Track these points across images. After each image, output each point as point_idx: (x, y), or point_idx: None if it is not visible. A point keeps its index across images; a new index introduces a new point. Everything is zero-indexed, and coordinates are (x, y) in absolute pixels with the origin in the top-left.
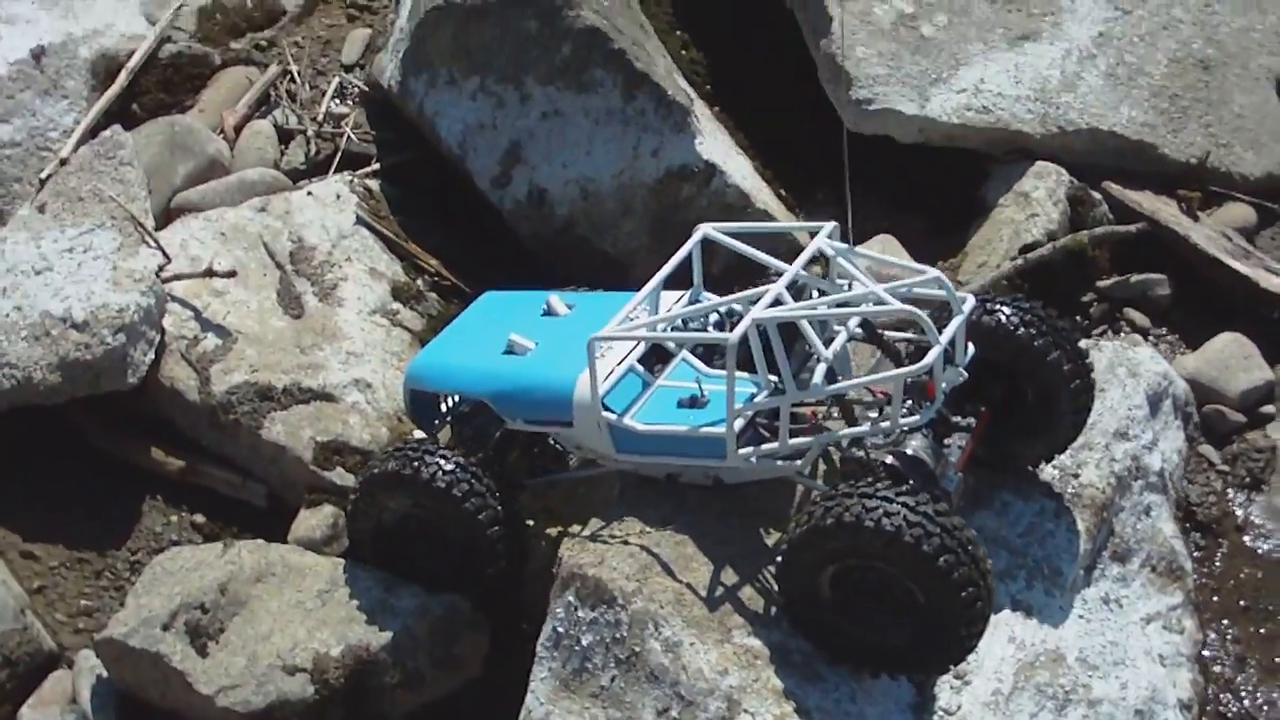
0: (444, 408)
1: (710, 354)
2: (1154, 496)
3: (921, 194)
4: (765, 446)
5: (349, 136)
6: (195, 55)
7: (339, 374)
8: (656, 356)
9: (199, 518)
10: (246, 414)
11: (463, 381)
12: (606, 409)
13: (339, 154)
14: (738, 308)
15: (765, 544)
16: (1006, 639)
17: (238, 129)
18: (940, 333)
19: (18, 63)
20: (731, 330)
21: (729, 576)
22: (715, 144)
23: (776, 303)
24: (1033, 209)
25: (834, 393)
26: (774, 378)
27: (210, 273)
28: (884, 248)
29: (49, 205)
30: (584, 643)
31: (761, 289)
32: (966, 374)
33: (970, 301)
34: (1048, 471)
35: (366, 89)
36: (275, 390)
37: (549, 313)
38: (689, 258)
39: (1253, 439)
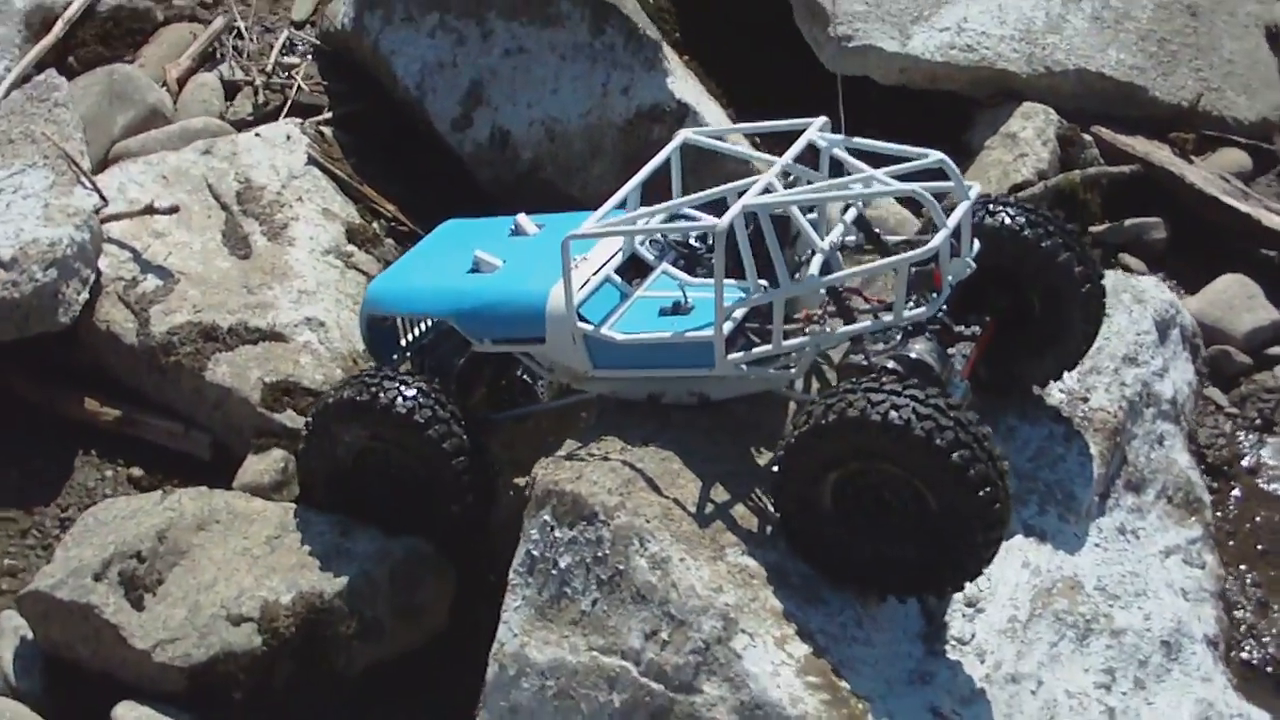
0: (404, 341)
1: (692, 265)
2: (1167, 425)
3: (903, 140)
4: (756, 350)
5: (299, 86)
6: (136, 9)
7: (289, 313)
8: (634, 270)
9: (136, 471)
10: (189, 355)
11: (426, 302)
12: (582, 319)
13: (288, 104)
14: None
15: (757, 463)
16: (1020, 564)
17: (180, 82)
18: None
19: None
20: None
21: (719, 494)
22: (687, 86)
23: (767, 192)
24: (1021, 149)
25: (831, 283)
26: (763, 282)
27: (150, 209)
28: None
29: None
30: (562, 565)
31: (749, 180)
32: (974, 266)
33: (976, 188)
34: (1055, 395)
35: (318, 43)
36: (220, 330)
37: (517, 232)
38: (666, 166)
39: (1261, 379)
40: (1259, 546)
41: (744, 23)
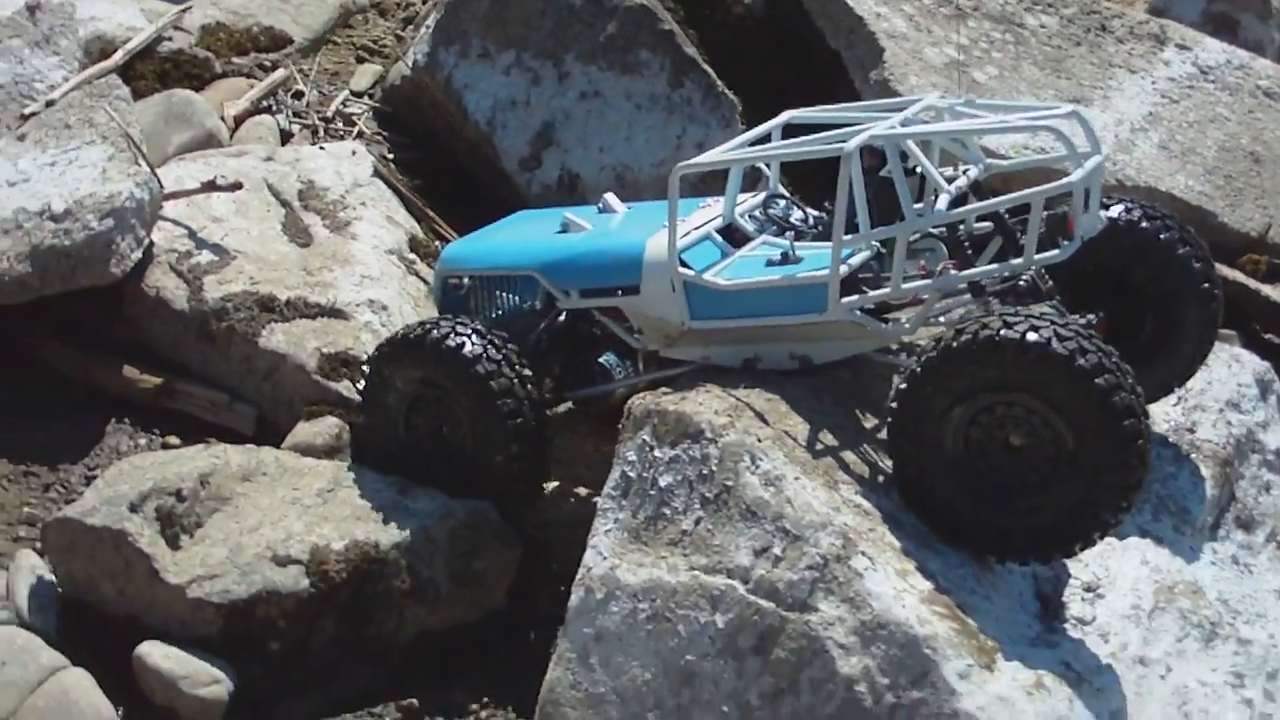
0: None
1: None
2: (1273, 475)
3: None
4: (874, 293)
5: (360, 131)
6: (196, 57)
7: (351, 293)
8: (734, 239)
9: (173, 440)
10: (242, 321)
11: (509, 257)
12: (684, 265)
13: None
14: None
15: (864, 425)
16: (1139, 561)
17: (238, 121)
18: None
19: (13, 12)
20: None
21: (828, 438)
22: None
23: None
24: None
25: (959, 217)
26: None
27: (212, 186)
28: None
29: (30, 135)
30: (661, 484)
31: (864, 126)
32: (1105, 222)
33: (1104, 153)
34: (1160, 426)
35: (378, 105)
36: (277, 301)
37: (605, 209)
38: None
39: None
40: None
41: (801, 79)
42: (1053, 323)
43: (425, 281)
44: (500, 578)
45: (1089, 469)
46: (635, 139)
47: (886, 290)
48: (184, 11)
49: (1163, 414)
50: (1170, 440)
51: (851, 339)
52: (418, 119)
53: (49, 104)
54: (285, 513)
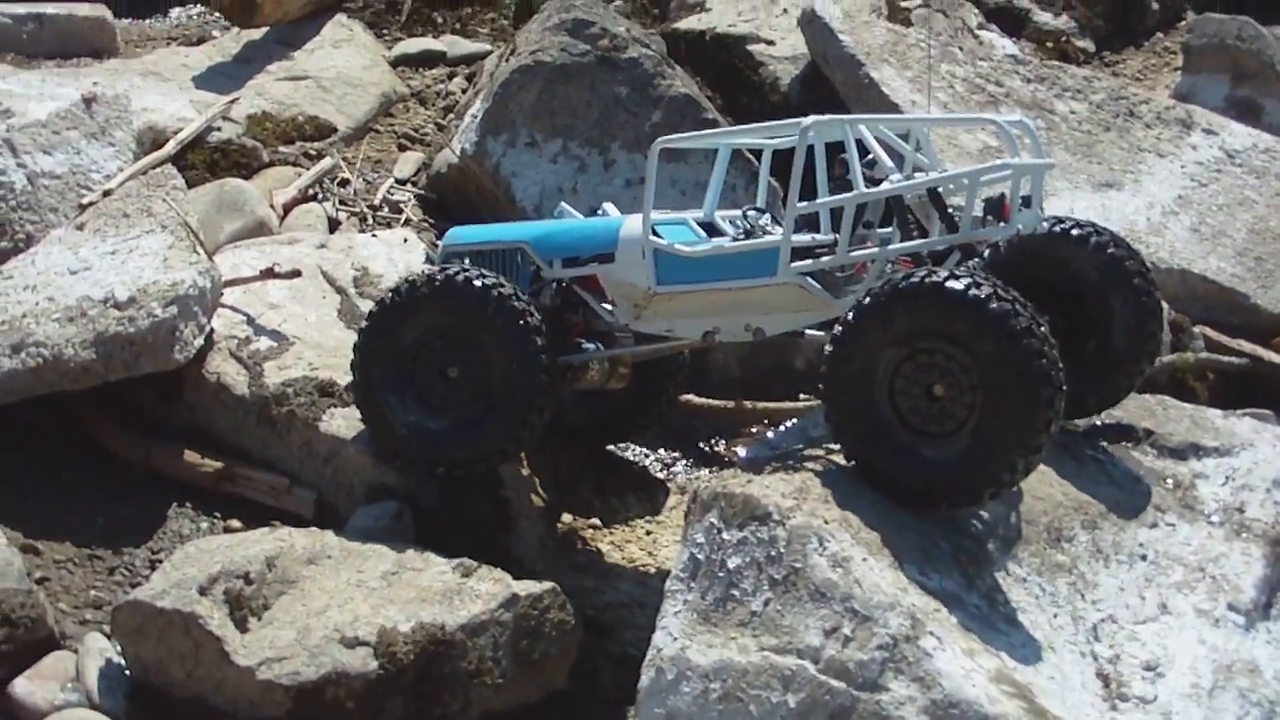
0: None
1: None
2: None
3: None
4: (823, 259)
5: (409, 218)
6: (244, 146)
7: None
8: (710, 232)
9: (235, 523)
10: (303, 406)
11: (504, 234)
12: (655, 235)
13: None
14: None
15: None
16: (1196, 639)
17: (287, 208)
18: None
19: (70, 104)
20: None
21: (891, 520)
22: None
23: None
24: None
25: (901, 190)
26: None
27: (271, 273)
28: None
29: (89, 224)
30: (730, 566)
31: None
32: (1043, 220)
33: (1052, 161)
34: (1209, 504)
35: (423, 191)
36: (337, 386)
37: (599, 211)
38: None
39: None
40: None
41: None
42: (973, 275)
43: None
44: (562, 658)
45: (999, 413)
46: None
47: (833, 256)
48: (232, 103)
49: (1212, 494)
50: (1219, 520)
51: (801, 310)
52: (464, 205)
53: (106, 193)
54: (351, 595)
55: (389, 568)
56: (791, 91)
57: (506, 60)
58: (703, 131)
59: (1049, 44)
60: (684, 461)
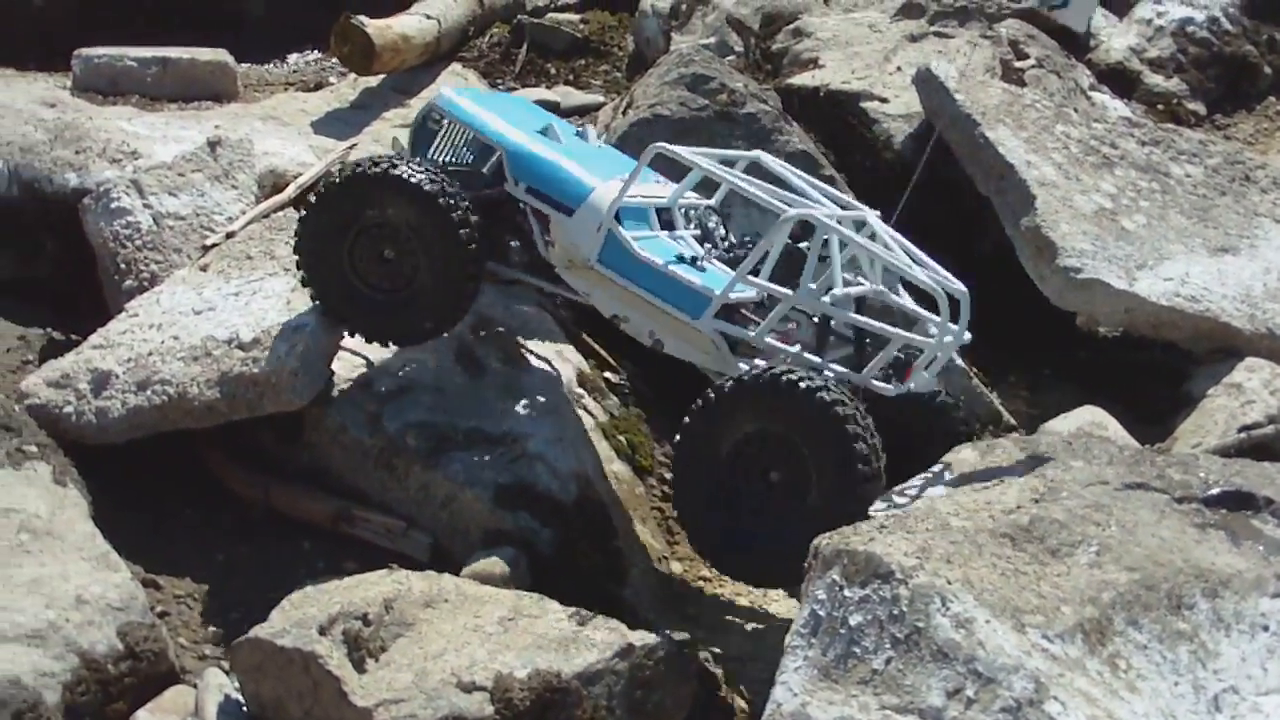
0: (437, 156)
1: (703, 241)
2: None
3: (1116, 386)
4: (740, 328)
5: None
6: None
7: (527, 424)
8: (663, 220)
9: (350, 565)
10: (421, 451)
11: (493, 128)
12: (617, 219)
13: None
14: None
15: (1045, 569)
16: None
17: None
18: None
19: (195, 147)
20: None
21: (1014, 582)
22: None
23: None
24: (1247, 397)
25: (836, 315)
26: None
27: None
28: (1093, 417)
29: (212, 265)
30: (852, 623)
31: (814, 202)
32: (938, 391)
33: (968, 337)
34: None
35: None
36: (456, 431)
37: (582, 136)
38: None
39: None
40: None
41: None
42: (823, 379)
43: (591, 415)
44: (676, 710)
45: (827, 501)
46: None
47: (751, 334)
48: (350, 148)
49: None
50: None
51: (702, 351)
52: None
53: (229, 235)
54: (468, 640)
55: (505, 613)
56: (905, 149)
57: (623, 113)
58: (696, 152)
59: (1160, 106)
60: None
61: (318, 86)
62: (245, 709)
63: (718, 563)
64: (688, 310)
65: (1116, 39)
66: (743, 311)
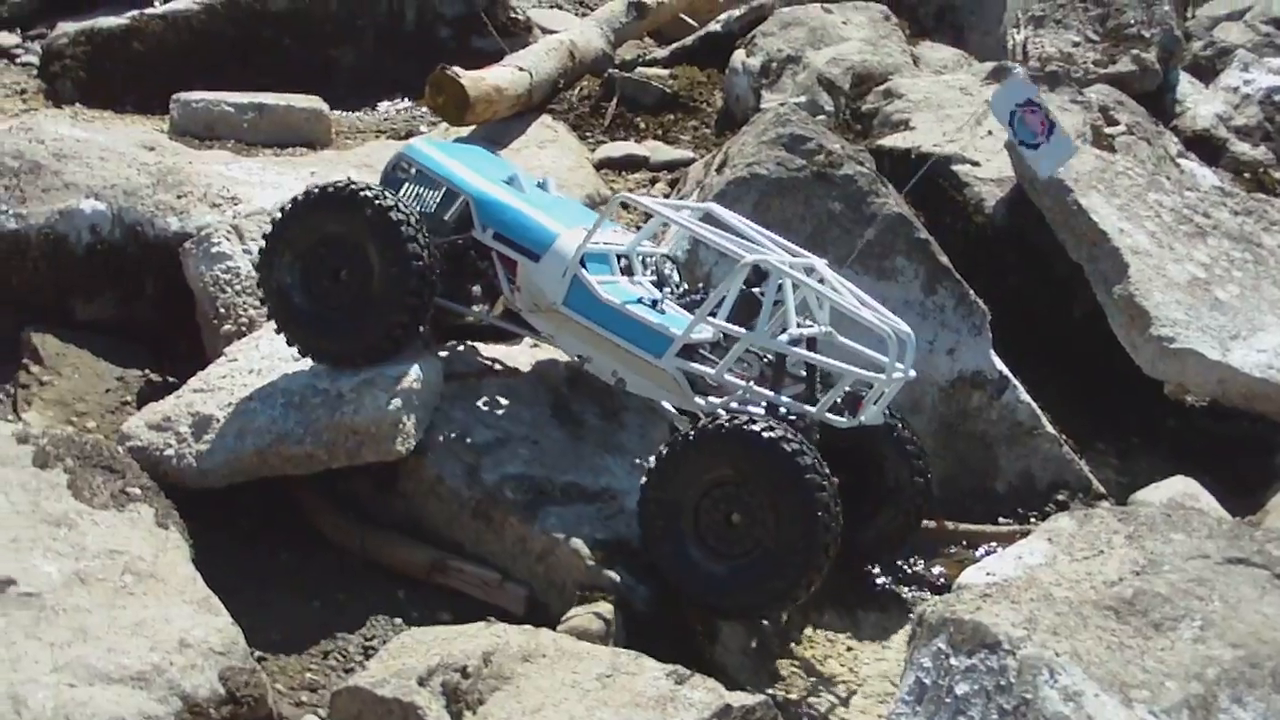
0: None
1: (660, 286)
2: None
3: (1205, 456)
4: (699, 366)
5: None
6: None
7: (624, 480)
8: (622, 267)
9: (445, 616)
10: (518, 504)
11: (461, 176)
12: (582, 264)
13: None
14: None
15: (1148, 643)
16: None
17: None
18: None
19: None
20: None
21: (1120, 655)
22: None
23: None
24: None
25: (790, 353)
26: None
27: (489, 371)
28: (1185, 488)
29: None
30: (958, 692)
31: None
32: (883, 420)
33: (912, 375)
34: None
35: None
36: (553, 485)
37: (544, 187)
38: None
39: None
40: None
41: (1047, 328)
42: (775, 424)
43: None
44: None
45: (783, 545)
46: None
47: (710, 371)
48: None
49: None
50: None
51: (665, 389)
52: None
53: None
54: (565, 695)
55: (603, 670)
56: (996, 214)
57: (718, 170)
58: (658, 202)
59: (1246, 174)
60: (882, 578)
61: (409, 135)
62: None
63: (688, 598)
64: (650, 350)
65: (1203, 106)
66: (701, 351)
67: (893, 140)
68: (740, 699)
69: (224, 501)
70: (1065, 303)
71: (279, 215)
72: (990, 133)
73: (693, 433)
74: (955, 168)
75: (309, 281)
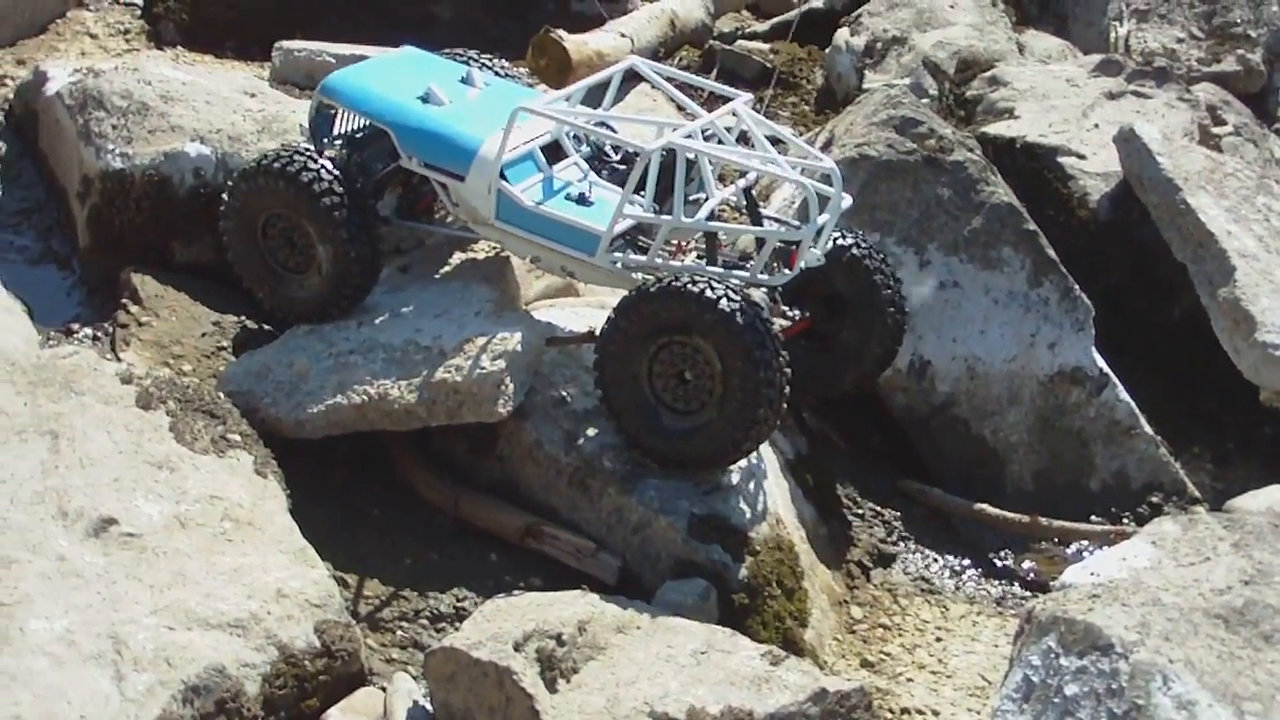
0: (340, 131)
1: (598, 165)
2: None
3: None
4: (634, 257)
5: None
6: None
7: None
8: (552, 153)
9: (536, 581)
10: (618, 475)
11: (377, 107)
12: (503, 177)
13: None
14: (650, 134)
15: (1259, 655)
16: None
17: None
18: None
19: None
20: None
21: (1231, 665)
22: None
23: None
24: None
25: (712, 229)
26: (657, 206)
27: (592, 336)
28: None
29: (413, 269)
30: (1067, 693)
31: (679, 122)
32: (822, 260)
33: (848, 201)
34: None
35: None
36: None
37: (467, 81)
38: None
39: None
40: None
41: (1146, 331)
42: (720, 283)
43: (783, 453)
44: None
45: (731, 399)
46: (990, 333)
47: (643, 259)
48: None
49: None
50: None
51: (610, 281)
52: None
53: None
54: (660, 669)
55: (698, 646)
56: (1100, 208)
57: (824, 149)
58: (560, 111)
59: None
60: (973, 570)
61: None
62: (434, 717)
63: (646, 452)
64: (583, 249)
65: None
66: (637, 239)
67: (997, 128)
68: (836, 684)
69: (318, 452)
70: (1166, 302)
71: (231, 184)
72: (1096, 126)
73: (635, 293)
74: (1061, 160)
75: (272, 247)
